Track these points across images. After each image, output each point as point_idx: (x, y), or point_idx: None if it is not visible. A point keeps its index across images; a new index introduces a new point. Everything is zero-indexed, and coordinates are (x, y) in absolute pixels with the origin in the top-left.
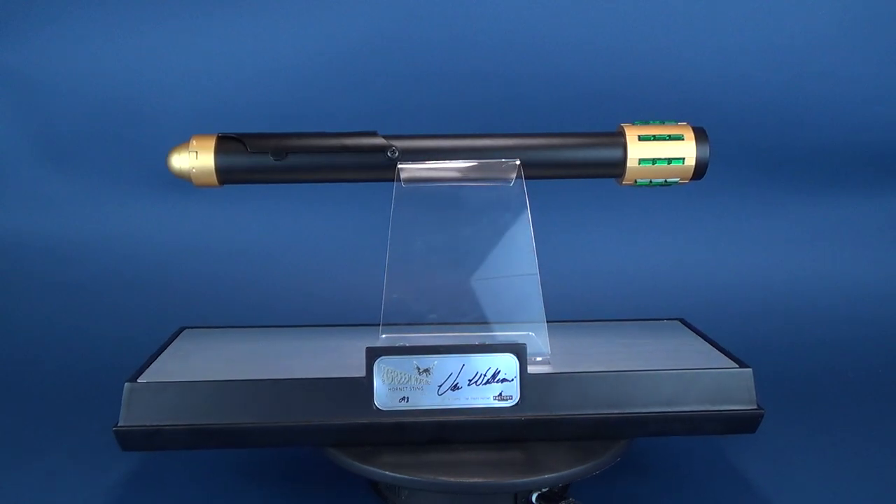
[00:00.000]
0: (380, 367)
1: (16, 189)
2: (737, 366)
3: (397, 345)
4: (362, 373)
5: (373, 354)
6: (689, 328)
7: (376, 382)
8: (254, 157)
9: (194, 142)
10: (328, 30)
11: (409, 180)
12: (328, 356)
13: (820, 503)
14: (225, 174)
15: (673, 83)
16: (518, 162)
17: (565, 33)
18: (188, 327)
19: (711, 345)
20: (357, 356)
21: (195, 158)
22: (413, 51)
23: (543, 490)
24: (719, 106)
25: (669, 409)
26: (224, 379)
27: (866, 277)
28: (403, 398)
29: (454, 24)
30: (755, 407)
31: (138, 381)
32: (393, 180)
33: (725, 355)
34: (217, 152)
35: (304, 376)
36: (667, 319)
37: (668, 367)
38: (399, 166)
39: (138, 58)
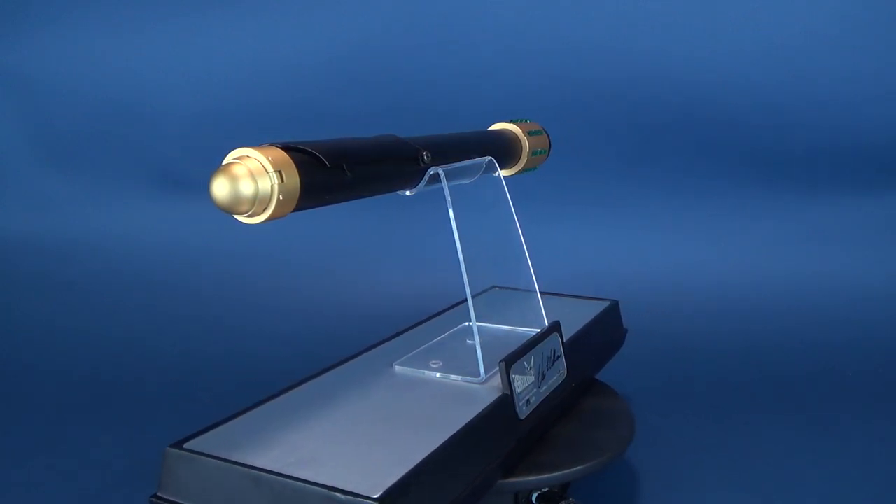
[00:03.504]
0: (514, 376)
1: (16, 189)
2: (610, 302)
3: (518, 349)
4: (483, 397)
5: (507, 366)
6: (511, 289)
7: (515, 393)
8: (330, 173)
9: (266, 157)
10: (326, 30)
11: (435, 182)
12: (414, 396)
13: (820, 503)
14: (305, 199)
15: (673, 83)
16: (491, 157)
17: (564, 33)
18: (175, 447)
19: (551, 294)
20: (420, 382)
21: (279, 180)
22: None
23: (543, 490)
24: (719, 106)
25: (607, 342)
26: (420, 460)
27: (866, 277)
28: (527, 401)
29: (438, 28)
30: (624, 327)
31: (376, 496)
32: (413, 185)
33: (584, 298)
34: (299, 169)
35: (454, 426)
36: (484, 291)
37: (595, 314)
38: (442, 170)
39: (138, 58)
